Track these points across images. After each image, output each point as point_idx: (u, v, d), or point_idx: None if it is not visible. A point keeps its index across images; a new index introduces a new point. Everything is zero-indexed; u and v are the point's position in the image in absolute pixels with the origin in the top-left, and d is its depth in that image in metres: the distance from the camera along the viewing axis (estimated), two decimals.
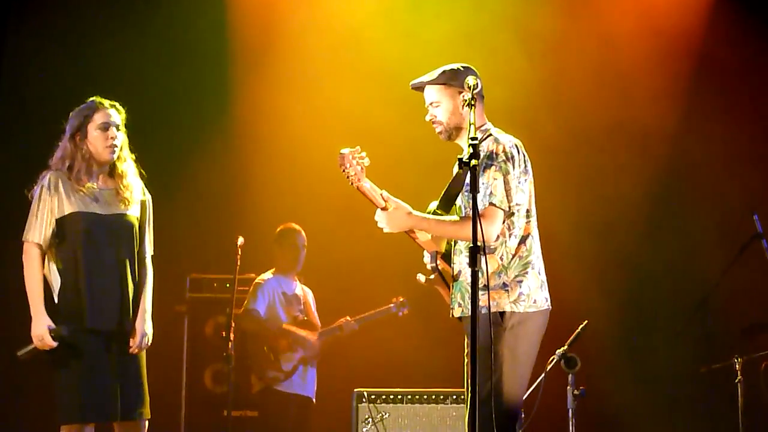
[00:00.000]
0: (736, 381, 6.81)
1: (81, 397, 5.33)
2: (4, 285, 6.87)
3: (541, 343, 5.00)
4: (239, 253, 7.44)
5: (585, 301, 7.98)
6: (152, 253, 5.66)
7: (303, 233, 7.91)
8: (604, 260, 8.47)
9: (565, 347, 6.05)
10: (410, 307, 7.97)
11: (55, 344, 5.31)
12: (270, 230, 8.24)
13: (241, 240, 7.51)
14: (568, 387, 6.06)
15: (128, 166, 5.59)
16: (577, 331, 6.12)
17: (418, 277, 5.17)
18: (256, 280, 7.86)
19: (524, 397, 5.96)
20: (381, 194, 4.91)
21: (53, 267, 5.45)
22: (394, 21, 8.74)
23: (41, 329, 5.32)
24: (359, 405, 6.77)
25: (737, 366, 6.82)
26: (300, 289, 7.95)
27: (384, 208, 4.90)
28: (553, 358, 6.01)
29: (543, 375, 5.93)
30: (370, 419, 6.70)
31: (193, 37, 8.71)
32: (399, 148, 8.02)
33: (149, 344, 5.53)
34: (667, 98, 8.57)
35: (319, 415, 7.99)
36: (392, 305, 7.98)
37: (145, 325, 5.51)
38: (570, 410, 6.08)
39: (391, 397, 6.76)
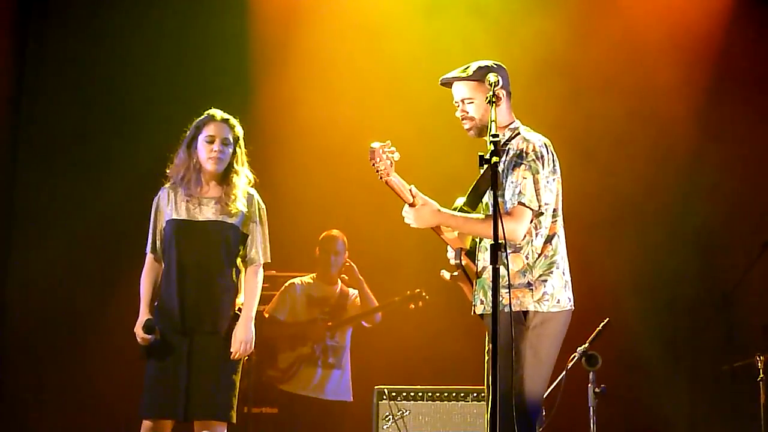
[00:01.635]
0: (758, 379, 6.78)
1: (145, 394, 5.59)
2: None
3: (563, 341, 4.99)
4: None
5: (606, 299, 7.96)
6: (265, 261, 5.85)
7: (341, 239, 7.92)
8: (625, 258, 8.44)
9: (586, 345, 6.05)
10: (427, 298, 7.91)
11: (148, 337, 5.58)
12: (291, 228, 8.25)
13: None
14: (589, 385, 6.05)
15: (240, 179, 5.80)
16: (599, 328, 6.11)
17: (442, 274, 5.16)
18: (285, 284, 7.94)
19: (545, 395, 5.99)
20: (410, 190, 4.90)
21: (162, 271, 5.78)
22: (415, 19, 8.73)
23: (137, 326, 5.62)
24: (380, 402, 6.78)
25: (759, 364, 6.79)
26: (339, 291, 7.96)
27: (412, 204, 4.90)
28: (575, 356, 6.00)
29: (564, 373, 5.92)
30: (390, 416, 6.70)
31: (214, 35, 8.73)
32: (424, 145, 8.00)
33: (250, 350, 5.67)
34: (686, 97, 8.53)
35: (340, 412, 7.99)
36: (397, 298, 7.95)
37: (245, 332, 5.64)
38: (591, 408, 6.07)
39: (412, 394, 6.76)
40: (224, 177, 5.78)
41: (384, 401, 6.76)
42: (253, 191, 5.88)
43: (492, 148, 4.49)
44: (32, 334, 8.27)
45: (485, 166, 4.69)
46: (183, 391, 5.52)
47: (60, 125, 8.59)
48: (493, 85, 4.74)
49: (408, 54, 8.57)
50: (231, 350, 5.61)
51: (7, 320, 8.41)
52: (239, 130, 5.85)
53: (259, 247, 5.82)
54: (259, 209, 5.86)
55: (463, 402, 6.69)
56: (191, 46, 8.71)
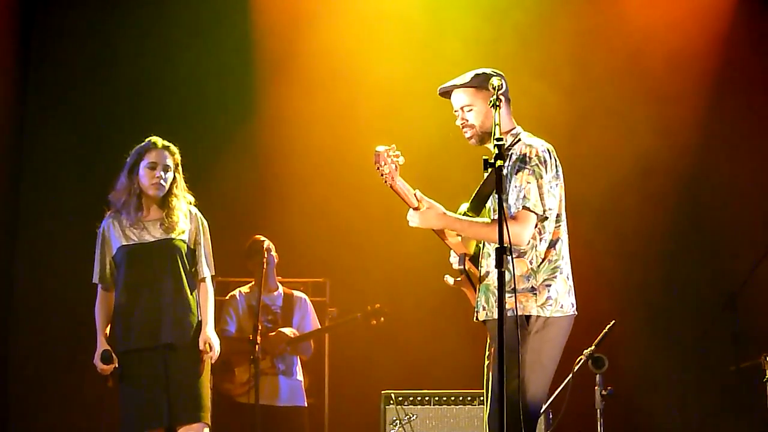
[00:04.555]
0: (765, 380, 6.77)
1: (123, 413, 5.88)
2: None
3: (569, 344, 4.99)
4: (265, 255, 7.49)
5: (612, 301, 7.96)
6: (212, 273, 6.10)
7: (267, 242, 7.68)
8: (631, 260, 8.44)
9: (593, 347, 6.04)
10: (385, 316, 7.85)
11: (105, 367, 5.88)
12: (296, 233, 8.28)
13: (267, 243, 7.55)
14: (596, 387, 6.05)
15: (179, 202, 6.03)
16: (605, 331, 6.10)
17: (445, 279, 5.15)
18: (227, 297, 7.88)
19: (552, 398, 5.99)
20: (414, 194, 4.90)
21: (115, 297, 5.99)
22: (421, 23, 8.74)
23: (95, 358, 5.91)
24: (387, 407, 6.77)
25: (766, 364, 6.78)
26: (282, 296, 7.92)
27: (416, 208, 4.90)
28: (581, 359, 6.00)
29: (570, 375, 5.93)
30: (397, 421, 6.70)
31: (218, 40, 8.74)
32: (429, 149, 8.00)
33: (217, 354, 5.97)
34: (692, 98, 8.53)
35: (347, 417, 8.00)
36: (359, 314, 7.93)
37: (209, 338, 5.94)
38: (598, 410, 6.07)
39: (419, 398, 6.77)
40: (164, 201, 6.01)
41: (391, 406, 6.76)
42: (195, 209, 6.12)
43: (496, 152, 4.49)
44: (38, 339, 8.30)
45: (488, 171, 4.70)
46: (165, 402, 5.78)
47: (64, 133, 8.60)
48: (496, 88, 4.74)
49: (413, 58, 8.57)
50: (201, 357, 5.89)
51: (14, 325, 8.44)
52: (178, 157, 6.07)
53: (205, 261, 6.07)
54: (201, 225, 6.10)
55: (470, 406, 6.68)
56: (195, 52, 8.72)
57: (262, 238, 7.68)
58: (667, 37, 8.56)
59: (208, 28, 8.76)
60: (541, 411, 6.10)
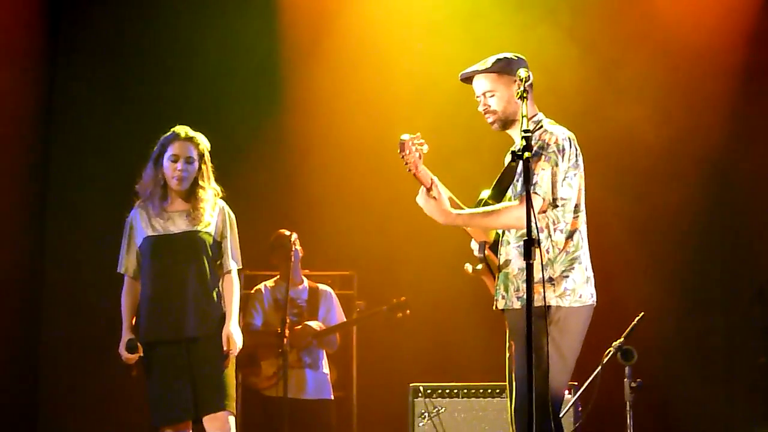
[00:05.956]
0: None
1: (152, 404, 5.89)
2: None
3: (598, 336, 4.98)
4: (293, 249, 7.49)
5: (641, 293, 7.92)
6: (239, 267, 6.06)
7: (292, 235, 7.63)
8: (660, 251, 8.40)
9: (622, 339, 6.03)
10: (411, 309, 7.85)
11: (131, 356, 5.87)
12: (324, 226, 8.29)
13: (294, 236, 7.55)
14: (625, 379, 6.04)
15: (206, 194, 5.98)
16: (634, 323, 6.09)
17: (465, 267, 5.15)
18: (252, 291, 7.89)
19: (581, 390, 5.98)
20: (431, 179, 4.89)
21: (141, 288, 6.00)
22: (450, 8, 8.72)
23: (120, 346, 5.90)
24: (415, 399, 6.77)
25: None
26: (308, 289, 7.94)
27: (429, 189, 4.89)
28: (610, 351, 5.99)
29: (599, 367, 5.92)
30: (426, 413, 6.70)
31: (245, 29, 8.75)
32: (454, 140, 7.99)
33: (239, 347, 5.92)
34: (722, 83, 8.46)
35: (375, 410, 8.01)
36: (385, 307, 7.92)
37: (233, 331, 5.90)
38: (627, 403, 6.06)
39: (447, 391, 6.75)
40: (190, 193, 5.96)
41: (419, 398, 6.76)
42: (222, 203, 6.08)
43: (524, 143, 4.49)
44: (69, 339, 8.35)
45: (510, 160, 4.71)
46: (190, 394, 5.79)
47: (90, 129, 8.65)
48: (524, 80, 4.73)
49: (443, 44, 8.53)
50: (224, 349, 5.86)
51: (45, 327, 8.50)
52: (204, 147, 6.01)
53: (231, 254, 6.03)
54: (228, 218, 6.05)
55: (498, 398, 6.64)
56: (222, 42, 8.74)
57: (287, 232, 7.67)
58: (698, 23, 8.50)
59: (235, 17, 8.77)
60: (570, 403, 6.13)
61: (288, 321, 7.28)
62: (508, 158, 5.09)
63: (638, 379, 6.01)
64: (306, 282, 7.94)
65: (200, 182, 5.97)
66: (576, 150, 4.95)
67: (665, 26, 8.52)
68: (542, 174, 4.82)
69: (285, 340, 7.17)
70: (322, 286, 7.98)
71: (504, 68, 5.00)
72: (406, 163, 4.87)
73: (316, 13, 8.77)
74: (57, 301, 8.50)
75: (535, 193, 4.79)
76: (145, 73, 8.71)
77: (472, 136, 7.58)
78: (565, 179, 4.87)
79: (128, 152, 8.21)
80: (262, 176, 8.55)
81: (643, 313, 6.10)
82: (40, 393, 8.47)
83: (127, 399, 7.72)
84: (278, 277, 7.89)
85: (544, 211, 4.84)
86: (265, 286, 7.91)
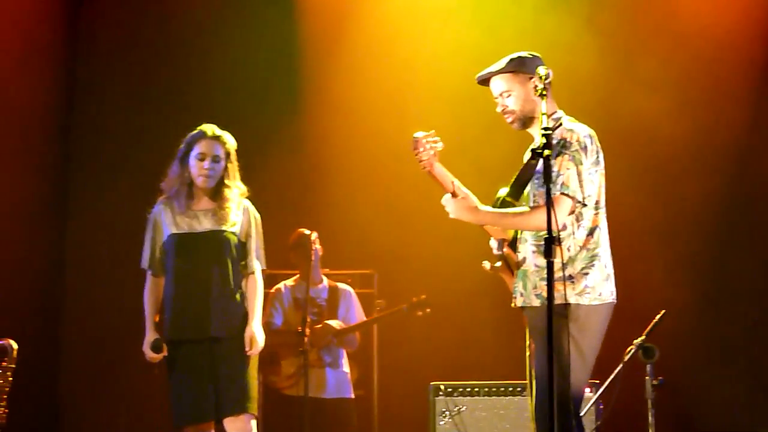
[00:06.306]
0: None
1: (174, 403, 5.88)
2: None
3: (619, 334, 4.96)
4: (313, 248, 7.49)
5: (662, 290, 7.90)
6: (263, 267, 6.06)
7: (312, 234, 7.60)
8: (682, 247, 8.36)
9: (643, 337, 6.01)
10: (431, 307, 7.83)
11: (155, 356, 5.88)
12: (344, 224, 8.29)
13: (314, 235, 7.55)
14: (647, 377, 6.02)
15: (232, 192, 5.97)
16: (655, 320, 6.07)
17: (483, 265, 5.14)
18: (272, 290, 7.87)
19: (602, 389, 5.96)
20: (452, 182, 4.91)
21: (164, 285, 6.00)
22: (471, 6, 8.71)
23: (144, 345, 5.90)
24: (436, 398, 6.76)
25: None
26: (327, 288, 7.94)
27: (453, 194, 4.90)
28: (631, 349, 5.97)
29: (621, 365, 5.90)
30: (447, 412, 6.69)
31: (263, 32, 8.77)
32: (474, 136, 7.98)
33: (260, 347, 5.92)
34: (745, 75, 8.41)
35: (396, 409, 8.00)
36: (405, 306, 7.91)
37: (255, 331, 5.90)
38: (649, 401, 6.04)
39: (468, 389, 6.74)
40: (216, 191, 5.96)
41: (440, 397, 6.75)
42: (248, 202, 6.07)
43: (544, 141, 4.49)
44: (89, 337, 8.38)
45: (529, 157, 4.75)
46: (212, 394, 5.78)
47: (110, 135, 8.69)
48: (543, 77, 4.73)
49: (464, 44, 8.52)
50: (246, 349, 5.85)
51: (65, 325, 8.53)
52: (231, 145, 6.01)
53: (256, 255, 6.03)
54: (253, 218, 6.06)
55: (520, 397, 6.63)
56: (239, 44, 8.77)
57: (307, 231, 7.67)
58: (720, 14, 8.45)
59: (255, 13, 8.81)
60: (591, 401, 6.11)
61: (308, 320, 7.28)
62: (527, 156, 5.08)
63: (660, 377, 5.99)
64: (326, 281, 7.94)
65: (226, 181, 5.97)
66: (597, 147, 4.95)
67: (685, 16, 8.48)
68: (568, 173, 4.81)
69: (305, 339, 7.16)
70: (341, 285, 7.98)
71: (518, 67, 5.03)
72: (420, 161, 4.92)
73: (335, 12, 8.78)
74: (77, 299, 8.53)
75: (564, 193, 4.79)
76: (165, 69, 8.76)
77: (492, 133, 7.55)
78: (589, 176, 4.87)
79: (148, 148, 8.30)
80: (282, 175, 8.56)
81: (664, 311, 6.08)
82: (60, 392, 8.51)
83: (147, 398, 7.73)
84: (298, 276, 7.90)
85: (573, 212, 4.84)
86: (284, 285, 7.92)
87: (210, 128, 5.98)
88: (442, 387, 6.76)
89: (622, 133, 7.92)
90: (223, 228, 5.91)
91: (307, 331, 7.20)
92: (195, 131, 5.99)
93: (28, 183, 8.04)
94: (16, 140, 7.97)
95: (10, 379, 6.06)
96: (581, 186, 4.83)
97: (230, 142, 6.01)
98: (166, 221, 5.94)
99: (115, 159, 8.64)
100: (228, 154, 5.98)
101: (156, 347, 5.85)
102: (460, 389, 6.75)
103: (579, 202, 4.83)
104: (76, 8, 8.79)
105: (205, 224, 5.92)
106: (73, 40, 8.76)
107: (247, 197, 6.07)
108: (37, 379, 8.01)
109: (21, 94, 7.98)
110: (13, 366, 6.07)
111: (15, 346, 6.09)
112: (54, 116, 8.57)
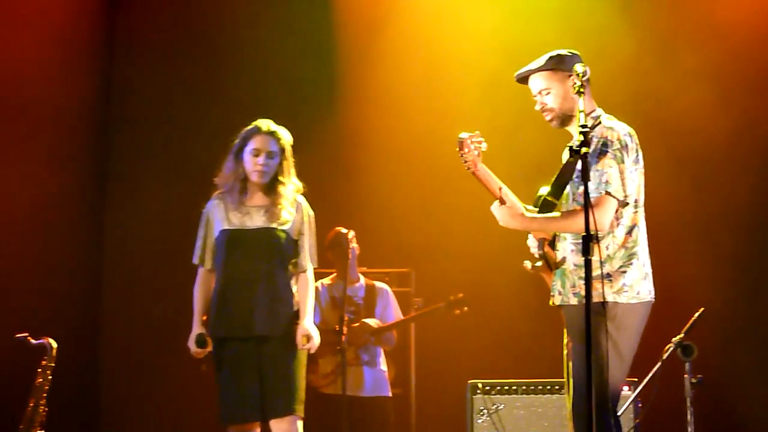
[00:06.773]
0: None
1: (222, 402, 5.82)
2: None
3: (657, 332, 4.95)
4: (350, 247, 7.49)
5: (701, 287, 7.85)
6: (315, 266, 6.04)
7: (349, 233, 7.56)
8: (721, 244, 8.30)
9: (682, 335, 5.99)
10: (469, 305, 7.81)
11: (199, 351, 5.84)
12: (382, 223, 8.29)
13: (351, 234, 7.56)
14: (685, 375, 6.00)
15: (286, 189, 5.94)
16: (694, 318, 6.04)
17: (524, 264, 5.15)
18: None
19: (641, 387, 5.94)
20: (500, 188, 4.92)
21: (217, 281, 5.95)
22: (498, 18, 8.69)
23: (189, 340, 5.86)
24: (474, 396, 6.76)
25: None
26: (365, 287, 7.94)
27: (501, 201, 4.90)
28: (670, 347, 5.95)
29: (659, 363, 5.89)
30: (485, 410, 6.69)
31: (300, 30, 8.79)
32: (507, 132, 7.97)
33: (316, 346, 5.91)
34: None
35: (433, 407, 8.00)
36: (442, 304, 7.89)
37: (308, 328, 5.87)
38: (687, 399, 6.01)
39: (506, 387, 6.74)
40: (270, 187, 5.92)
41: (478, 395, 6.75)
42: (302, 199, 6.04)
43: (582, 138, 4.49)
44: (131, 339, 8.43)
45: (569, 156, 4.74)
46: (258, 394, 5.73)
47: (148, 131, 8.74)
48: (581, 75, 4.72)
49: (503, 40, 8.49)
50: (296, 349, 5.84)
51: (106, 320, 8.58)
52: (286, 141, 5.98)
53: (308, 253, 5.99)
54: (307, 216, 6.03)
55: (558, 395, 6.63)
56: (276, 41, 8.79)
57: (344, 230, 7.69)
58: (762, 4, 8.38)
59: (292, 10, 8.85)
60: (630, 400, 6.10)
61: (345, 318, 7.29)
62: (565, 154, 5.08)
63: (699, 375, 5.97)
64: (362, 279, 7.95)
65: (280, 177, 5.93)
66: (636, 145, 4.96)
67: (724, 8, 8.41)
68: (610, 172, 4.81)
69: (343, 337, 7.18)
70: (378, 284, 7.99)
71: (557, 65, 5.03)
72: (465, 162, 4.95)
73: (371, 8, 8.79)
74: (117, 296, 8.58)
75: (608, 192, 4.79)
76: (201, 67, 8.79)
77: (528, 129, 7.53)
78: (629, 175, 4.87)
79: (185, 145, 8.34)
80: (320, 173, 8.49)
81: (703, 309, 6.05)
82: (102, 388, 8.56)
83: (189, 396, 7.80)
84: (335, 274, 7.91)
85: (617, 210, 4.83)
86: (321, 284, 7.93)
87: (265, 123, 5.95)
88: (480, 385, 6.76)
89: (661, 123, 7.90)
90: (274, 225, 5.86)
91: (345, 329, 7.22)
92: (250, 126, 5.96)
93: (66, 177, 8.09)
94: (57, 139, 8.04)
95: (50, 378, 6.10)
96: (623, 185, 4.83)
97: (285, 137, 5.97)
98: (219, 217, 5.90)
99: (153, 152, 8.68)
100: (283, 150, 5.94)
101: (200, 342, 5.80)
102: (498, 387, 6.75)
103: (620, 201, 4.82)
104: (115, 4, 8.86)
105: (257, 221, 5.87)
106: (111, 38, 8.83)
107: (302, 194, 6.03)
108: (78, 377, 8.07)
109: (62, 93, 8.04)
110: (53, 365, 6.10)
111: (54, 344, 6.13)
112: (92, 111, 8.62)
